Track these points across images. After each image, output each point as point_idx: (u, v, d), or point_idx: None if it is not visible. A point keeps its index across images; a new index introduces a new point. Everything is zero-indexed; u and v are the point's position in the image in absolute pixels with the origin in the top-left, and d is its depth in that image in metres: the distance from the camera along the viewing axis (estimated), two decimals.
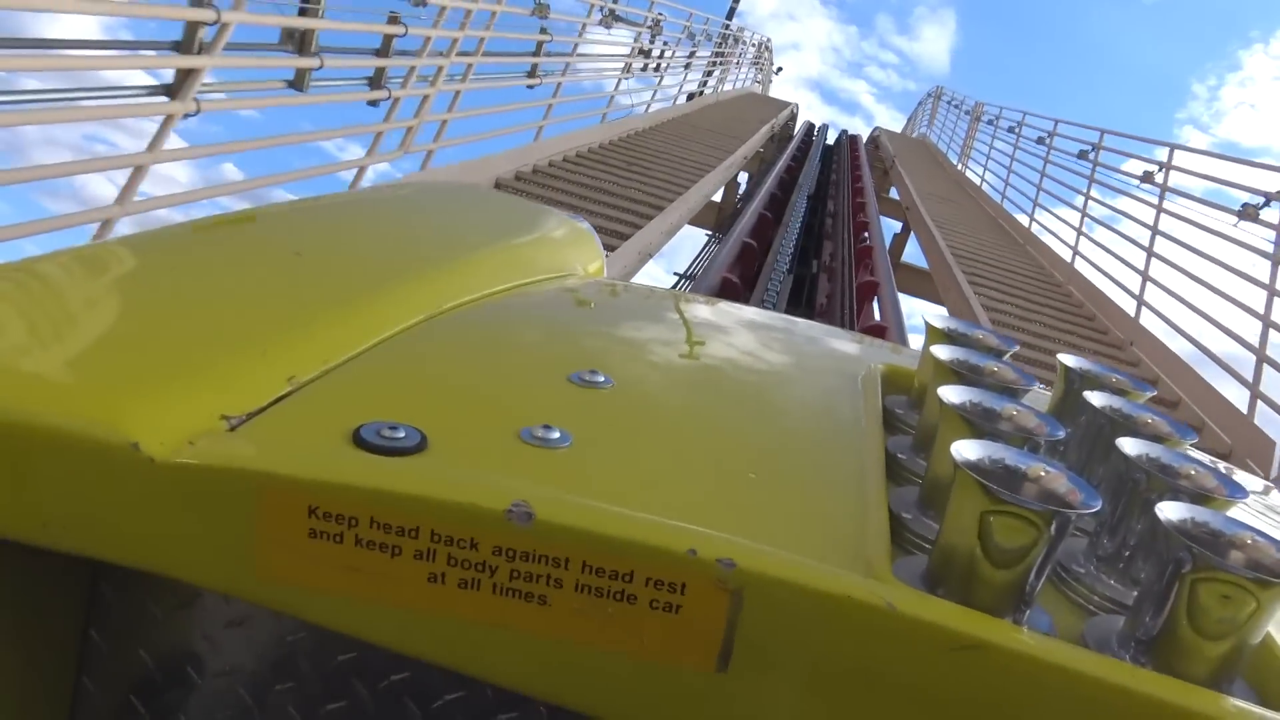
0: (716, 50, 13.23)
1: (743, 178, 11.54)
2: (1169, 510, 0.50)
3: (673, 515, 0.52)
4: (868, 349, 1.05)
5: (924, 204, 8.93)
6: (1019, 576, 0.47)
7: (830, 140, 16.55)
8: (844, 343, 1.13)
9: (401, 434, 0.53)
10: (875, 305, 6.07)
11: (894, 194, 12.09)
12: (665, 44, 10.06)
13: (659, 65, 9.89)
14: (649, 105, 9.26)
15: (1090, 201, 7.85)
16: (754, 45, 17.69)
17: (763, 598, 0.46)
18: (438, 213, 1.20)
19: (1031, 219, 8.89)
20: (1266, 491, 1.00)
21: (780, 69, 24.87)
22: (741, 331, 1.06)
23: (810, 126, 17.13)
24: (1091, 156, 8.16)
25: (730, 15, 17.68)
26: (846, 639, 0.47)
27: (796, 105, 16.96)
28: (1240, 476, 0.94)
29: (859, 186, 10.05)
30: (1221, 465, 0.87)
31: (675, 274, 8.07)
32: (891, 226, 10.23)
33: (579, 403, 0.67)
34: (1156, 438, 0.63)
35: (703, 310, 1.22)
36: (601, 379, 0.70)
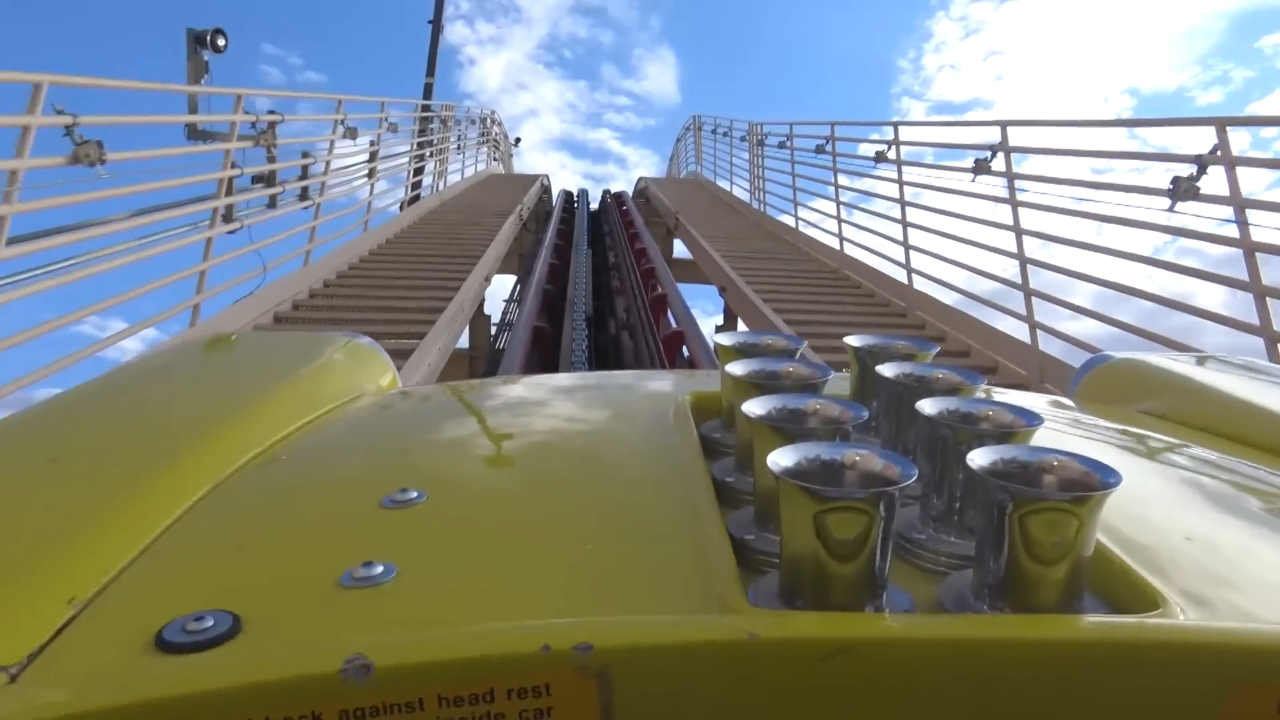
0: (421, 141, 12.75)
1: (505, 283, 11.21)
2: (979, 457, 0.60)
3: (520, 614, 0.59)
4: (672, 382, 1.22)
5: (739, 274, 8.70)
6: (866, 565, 0.55)
7: (594, 205, 17.11)
8: (649, 382, 1.29)
9: (209, 623, 0.56)
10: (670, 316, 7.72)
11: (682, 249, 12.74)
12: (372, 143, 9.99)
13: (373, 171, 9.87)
14: (365, 224, 9.29)
15: (843, 190, 9.90)
16: (477, 122, 17.93)
17: (630, 669, 0.52)
18: (204, 372, 1.30)
19: (797, 219, 10.97)
20: (1059, 405, 1.24)
21: (519, 139, 27.12)
22: (546, 402, 1.20)
23: (568, 195, 17.58)
24: (828, 149, 10.30)
25: (426, 95, 17.01)
26: (723, 681, 0.53)
27: (547, 177, 17.39)
28: (1032, 400, 1.12)
29: (644, 264, 10.18)
30: (1014, 395, 1.06)
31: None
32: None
33: (396, 527, 0.74)
34: (950, 391, 0.78)
35: (504, 392, 1.36)
36: (414, 495, 0.77)
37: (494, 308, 10.68)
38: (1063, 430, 1.09)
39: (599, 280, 10.81)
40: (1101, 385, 1.41)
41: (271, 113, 6.84)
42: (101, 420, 1.07)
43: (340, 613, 0.60)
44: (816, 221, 10.58)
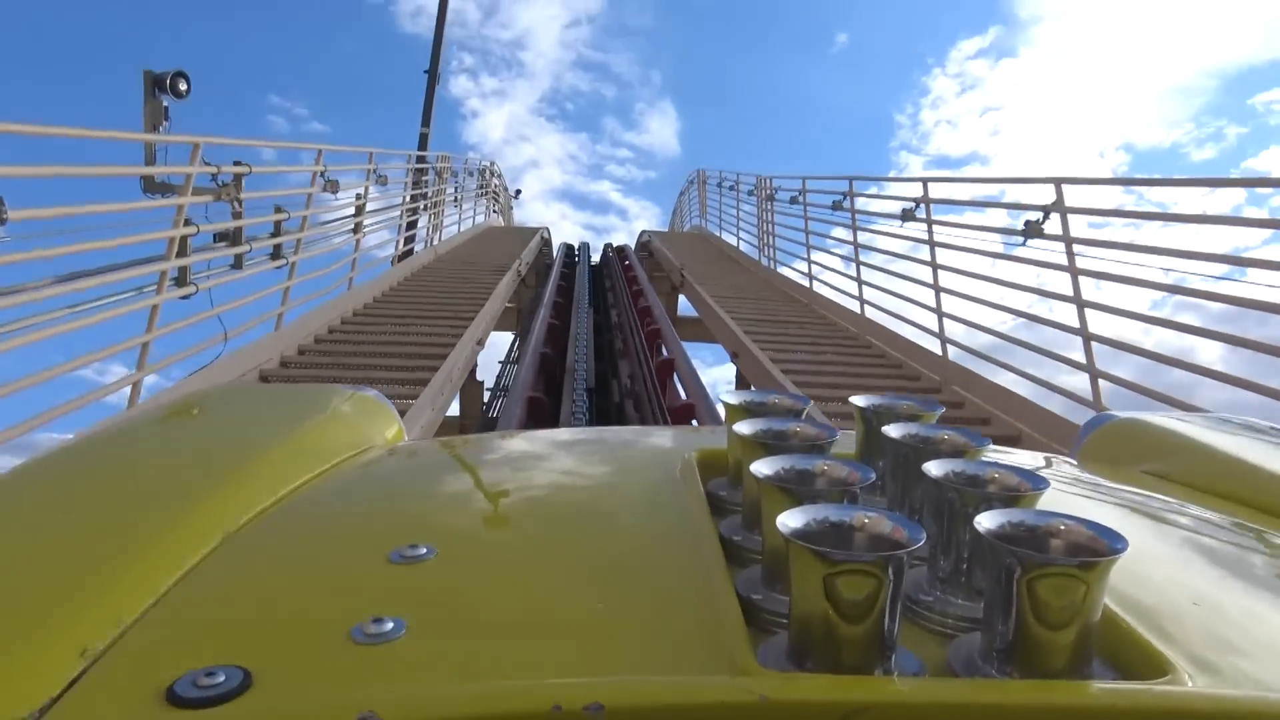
0: (415, 193, 12.36)
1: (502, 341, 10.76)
2: (986, 520, 0.61)
3: (530, 672, 0.59)
4: (679, 438, 1.23)
5: (753, 338, 8.25)
6: (875, 626, 0.56)
7: (595, 259, 16.71)
8: (655, 439, 1.31)
9: (221, 678, 0.56)
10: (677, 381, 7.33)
11: (687, 308, 12.25)
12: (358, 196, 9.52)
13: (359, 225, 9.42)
14: (350, 281, 8.67)
15: (863, 249, 9.57)
16: (476, 174, 17.53)
17: None
18: (214, 422, 1.32)
19: (811, 279, 10.72)
20: (1064, 466, 1.26)
21: (519, 191, 26.79)
22: (555, 458, 1.23)
23: (569, 249, 17.12)
24: (846, 205, 9.95)
25: (422, 145, 16.45)
26: None
27: (547, 229, 16.99)
28: (1037, 460, 1.13)
29: (648, 324, 9.66)
30: (1020, 456, 1.05)
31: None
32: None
33: (405, 583, 0.73)
34: (956, 453, 0.79)
35: (513, 446, 1.37)
36: (424, 550, 0.77)
37: (490, 370, 10.05)
38: (1068, 492, 1.09)
39: (600, 341, 10.19)
40: (1105, 445, 1.41)
41: (237, 163, 6.03)
42: (112, 471, 1.06)
43: (351, 668, 0.60)
44: (832, 281, 10.16)
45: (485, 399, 9.97)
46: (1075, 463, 1.34)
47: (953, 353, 7.09)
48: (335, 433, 1.26)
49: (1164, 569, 0.86)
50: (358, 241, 9.13)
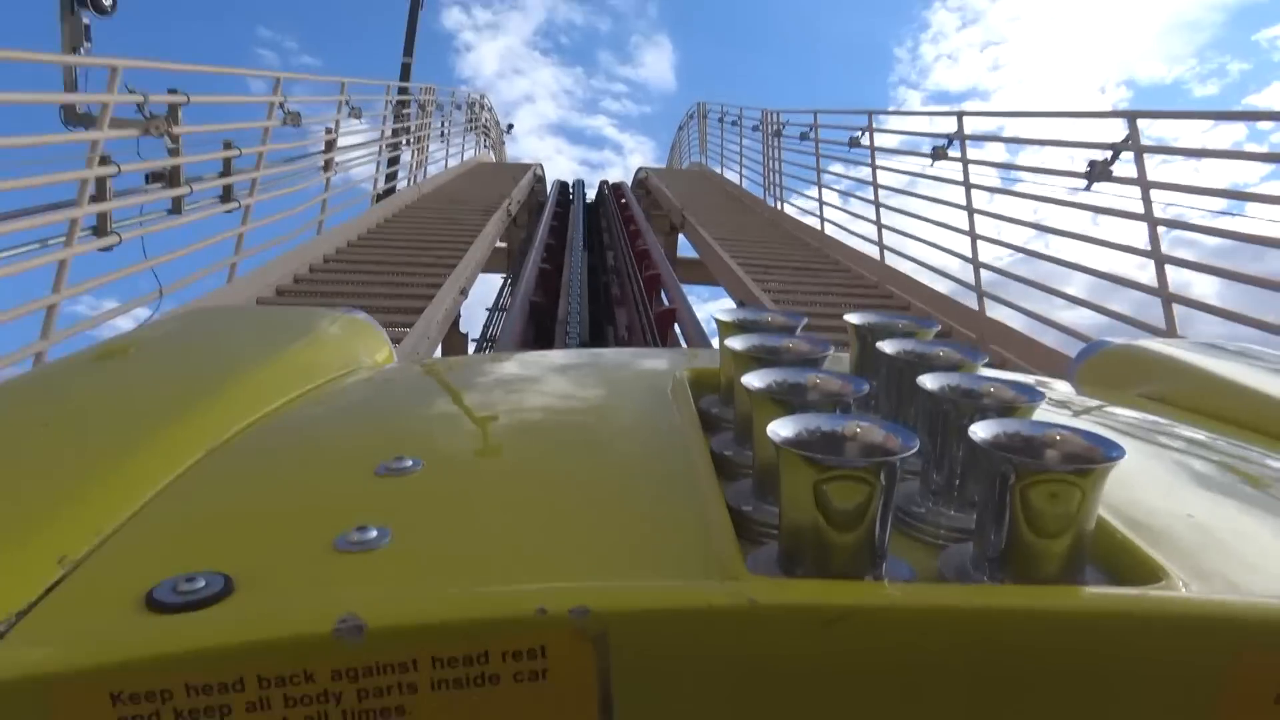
0: (397, 127, 11.45)
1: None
2: (982, 430, 0.61)
3: (516, 579, 0.60)
4: (672, 358, 1.26)
5: (764, 289, 7.67)
6: (865, 534, 0.57)
7: (591, 196, 16.21)
8: (648, 359, 1.35)
9: (201, 584, 0.57)
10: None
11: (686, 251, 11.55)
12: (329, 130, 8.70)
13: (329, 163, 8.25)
14: (320, 225, 8.01)
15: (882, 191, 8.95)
16: (464, 107, 16.27)
17: (627, 634, 0.53)
18: (200, 341, 1.33)
19: (823, 221, 10.13)
20: (1046, 384, 1.29)
21: (512, 126, 25.76)
22: (545, 378, 1.24)
23: (563, 186, 16.51)
24: (864, 143, 9.32)
25: (404, 76, 15.15)
26: (721, 646, 0.54)
27: (540, 165, 16.41)
28: (1031, 382, 1.08)
29: (647, 269, 9.04)
30: (1013, 377, 1.00)
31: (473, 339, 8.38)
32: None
33: (391, 494, 0.75)
34: (951, 367, 0.79)
35: (502, 367, 1.40)
36: (410, 463, 0.78)
37: (477, 319, 9.30)
38: (1063, 410, 1.13)
39: (595, 284, 9.61)
40: (1101, 370, 1.43)
41: (173, 91, 5.12)
42: (96, 386, 1.07)
43: (334, 575, 0.60)
44: (847, 225, 9.43)
45: (470, 353, 9.15)
46: (1070, 386, 1.35)
47: (990, 306, 6.46)
48: (324, 352, 1.26)
49: (1158, 482, 0.88)
50: (327, 181, 8.28)
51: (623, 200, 14.03)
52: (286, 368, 1.12)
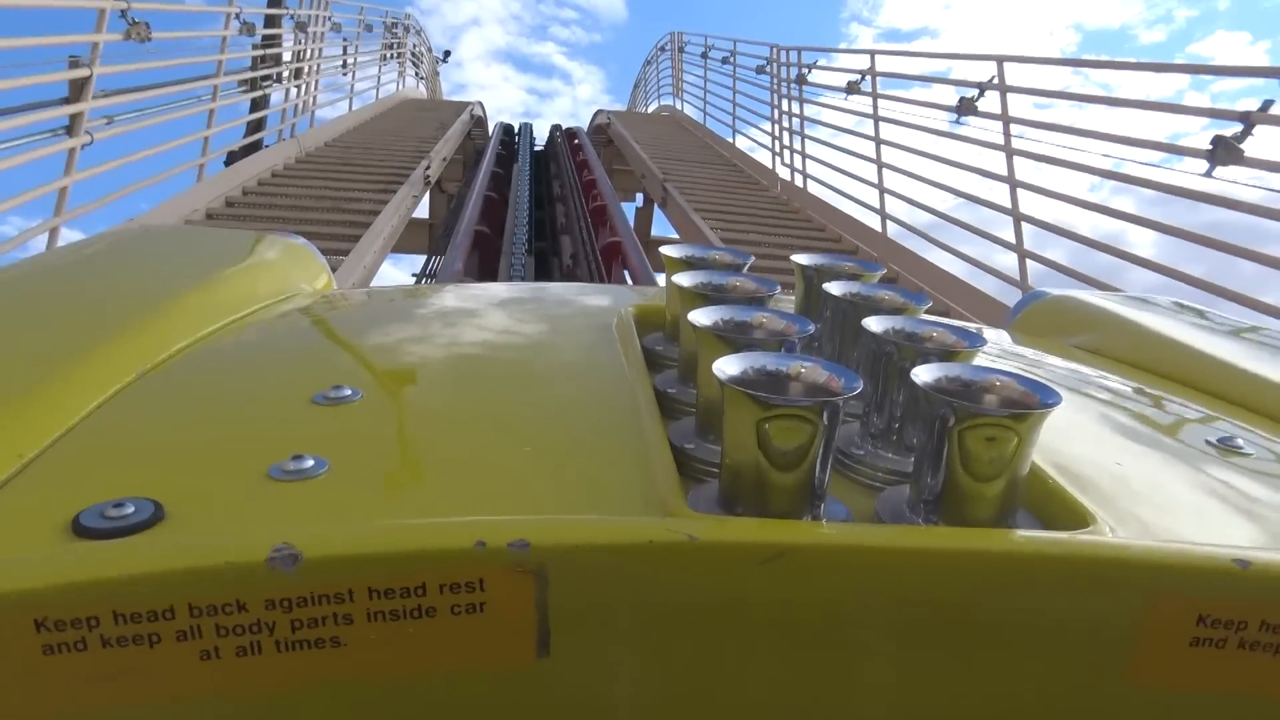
0: (266, 51, 8.89)
1: None
2: (923, 373, 0.66)
3: (455, 511, 0.63)
4: (616, 295, 1.32)
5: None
6: (806, 474, 0.61)
7: (541, 143, 14.35)
8: (592, 296, 1.39)
9: (130, 509, 0.58)
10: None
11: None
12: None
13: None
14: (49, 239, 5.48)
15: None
16: (379, 29, 13.74)
17: (566, 568, 0.55)
18: (133, 263, 1.33)
19: (884, 218, 8.73)
20: (985, 332, 1.34)
21: (449, 53, 22.16)
22: (488, 311, 1.25)
23: (508, 132, 14.27)
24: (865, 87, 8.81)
25: None
26: (659, 582, 0.57)
27: (479, 105, 14.41)
28: (970, 329, 1.14)
29: (617, 263, 7.68)
30: (956, 321, 1.12)
31: (413, 275, 8.02)
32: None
33: (328, 423, 0.76)
34: (896, 311, 0.84)
35: (444, 299, 1.40)
36: (348, 392, 0.80)
37: None
38: (1002, 357, 1.23)
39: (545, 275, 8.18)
40: (1038, 320, 1.55)
41: None
42: (20, 305, 1.07)
43: (268, 504, 0.64)
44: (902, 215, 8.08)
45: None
46: (1008, 335, 1.47)
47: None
48: (261, 277, 1.27)
49: (1089, 431, 0.95)
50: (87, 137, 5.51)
51: (580, 157, 11.96)
52: (223, 291, 1.14)
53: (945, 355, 0.73)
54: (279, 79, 9.10)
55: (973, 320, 5.28)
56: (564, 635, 0.56)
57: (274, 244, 1.42)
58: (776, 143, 10.56)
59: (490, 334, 1.11)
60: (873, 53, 8.65)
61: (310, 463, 0.65)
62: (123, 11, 5.80)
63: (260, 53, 8.40)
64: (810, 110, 9.94)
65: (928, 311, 0.90)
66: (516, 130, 15.00)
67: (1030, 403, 0.64)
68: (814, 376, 0.65)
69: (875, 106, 8.31)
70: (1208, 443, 0.93)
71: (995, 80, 6.47)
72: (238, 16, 6.38)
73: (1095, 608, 0.59)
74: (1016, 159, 6.26)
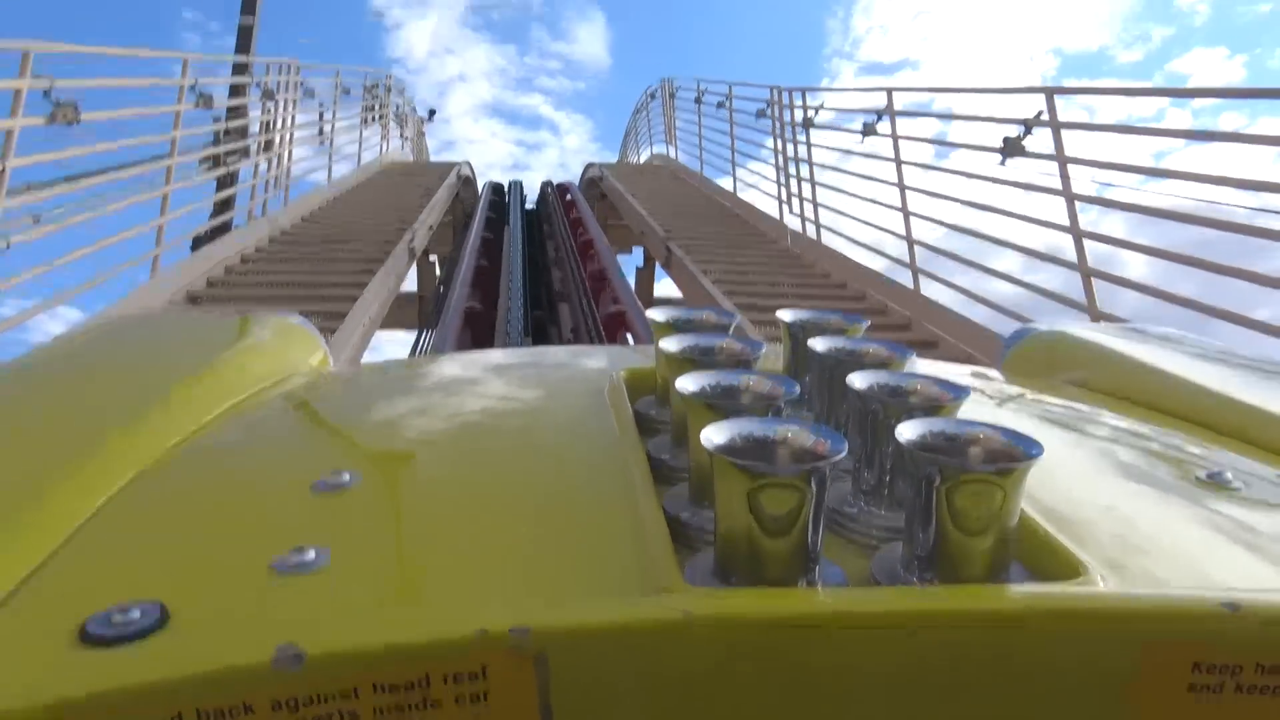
0: (231, 124, 8.11)
1: None
2: (907, 430, 0.67)
3: (455, 598, 0.65)
4: (609, 358, 1.32)
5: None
6: (799, 540, 0.62)
7: (532, 201, 14.05)
8: (584, 359, 1.38)
9: (136, 614, 0.58)
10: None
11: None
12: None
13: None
14: None
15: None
16: (359, 91, 13.04)
17: (566, 651, 0.56)
18: (126, 353, 1.34)
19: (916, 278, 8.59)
20: (987, 377, 1.38)
21: (434, 112, 21.74)
22: (480, 381, 1.28)
23: (498, 191, 13.70)
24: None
25: (243, 44, 10.86)
26: (658, 658, 0.57)
27: (467, 165, 14.09)
28: (960, 371, 1.34)
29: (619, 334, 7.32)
30: (944, 368, 1.29)
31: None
32: None
33: (329, 511, 0.77)
34: (880, 365, 0.87)
35: (438, 371, 1.46)
36: (346, 478, 0.81)
37: None
38: (990, 402, 1.23)
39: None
40: (1029, 357, 1.56)
41: None
42: (17, 405, 1.09)
43: (271, 600, 0.64)
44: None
45: None
46: (999, 375, 1.47)
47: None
48: (256, 360, 1.27)
49: (1080, 475, 0.94)
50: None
51: (574, 215, 11.51)
52: (218, 377, 1.15)
53: (930, 410, 0.74)
54: (246, 154, 8.44)
55: (965, 351, 5.53)
56: (567, 717, 0.57)
57: (268, 324, 1.43)
58: (783, 190, 10.13)
59: (484, 406, 1.13)
60: (890, 90, 8.02)
61: (312, 554, 0.66)
62: (45, 91, 5.17)
63: (221, 127, 7.74)
64: (820, 155, 9.55)
65: (939, 357, 1.10)
66: (506, 189, 14.72)
67: (1014, 455, 0.66)
68: (801, 440, 0.66)
69: (896, 149, 7.74)
70: (1199, 479, 0.93)
71: (1039, 115, 5.86)
72: (192, 88, 5.77)
73: (1091, 659, 0.60)
74: (1069, 201, 5.64)
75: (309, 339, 1.39)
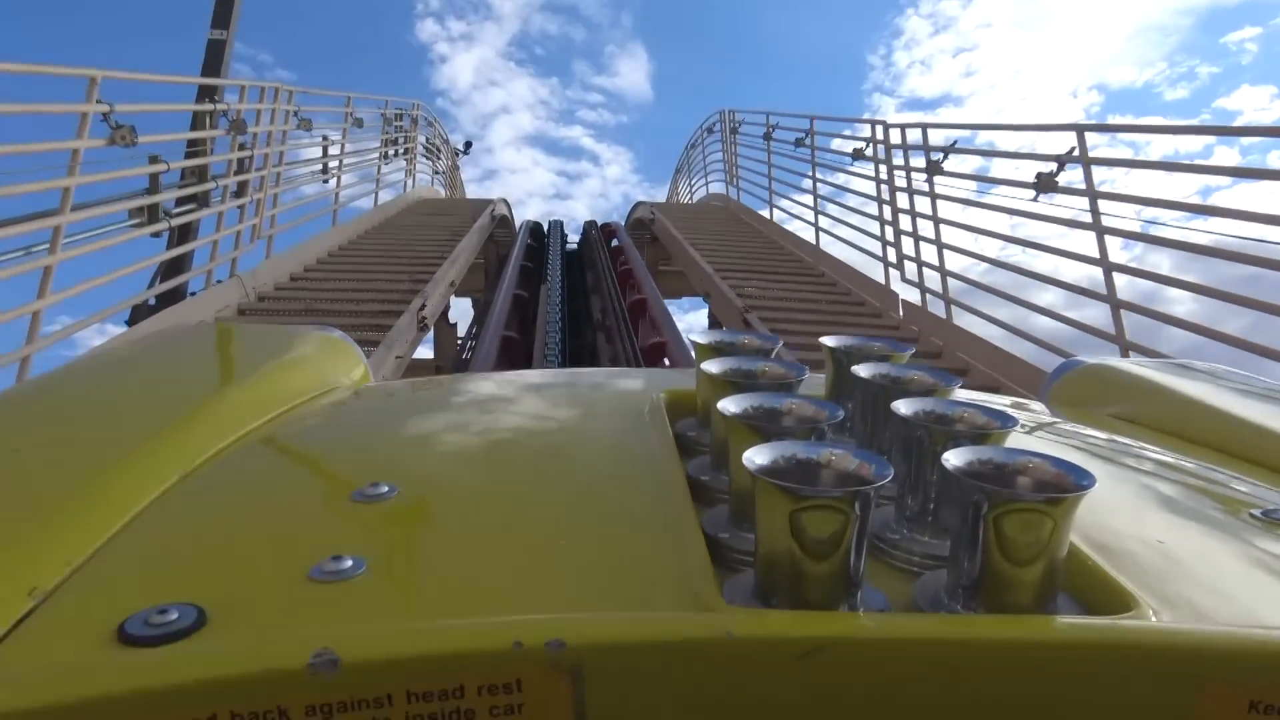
0: (191, 160, 6.62)
1: None
2: (954, 457, 0.68)
3: (492, 610, 0.64)
4: (649, 380, 1.35)
5: None
6: (841, 564, 0.63)
7: (574, 240, 13.01)
8: (625, 380, 1.45)
9: (174, 615, 0.60)
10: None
11: None
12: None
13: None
14: None
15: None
16: (382, 122, 11.52)
17: (603, 666, 0.56)
18: (173, 362, 1.36)
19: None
20: (1032, 409, 1.36)
21: (470, 144, 20.39)
22: (521, 399, 1.28)
23: (536, 234, 12.09)
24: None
25: (212, 63, 8.55)
26: (696, 677, 0.57)
27: (504, 202, 13.17)
28: (1005, 403, 1.26)
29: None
30: (987, 398, 1.24)
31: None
32: None
33: (366, 522, 0.78)
34: (926, 392, 0.87)
35: (478, 388, 1.46)
36: (385, 489, 0.82)
37: None
38: (1036, 433, 1.24)
39: None
40: (1073, 389, 1.58)
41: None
42: (67, 410, 1.13)
43: (308, 606, 0.65)
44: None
45: None
46: (1043, 407, 1.53)
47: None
48: (298, 373, 1.32)
49: (1129, 507, 0.96)
50: None
51: (625, 267, 9.90)
52: (261, 390, 1.19)
53: (977, 438, 0.76)
54: (205, 200, 6.90)
55: (1003, 384, 5.37)
56: None
57: (311, 339, 1.48)
58: (891, 250, 8.53)
59: (524, 423, 1.14)
60: (1080, 127, 6.19)
61: (349, 563, 0.67)
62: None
63: (157, 168, 5.98)
64: (932, 207, 8.24)
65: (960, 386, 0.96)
66: (546, 231, 13.61)
67: (1065, 485, 0.67)
68: (845, 464, 0.67)
69: (1094, 205, 5.84)
70: (1252, 515, 0.92)
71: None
72: (105, 118, 4.09)
73: (1142, 695, 0.61)
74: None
75: (350, 354, 1.43)
